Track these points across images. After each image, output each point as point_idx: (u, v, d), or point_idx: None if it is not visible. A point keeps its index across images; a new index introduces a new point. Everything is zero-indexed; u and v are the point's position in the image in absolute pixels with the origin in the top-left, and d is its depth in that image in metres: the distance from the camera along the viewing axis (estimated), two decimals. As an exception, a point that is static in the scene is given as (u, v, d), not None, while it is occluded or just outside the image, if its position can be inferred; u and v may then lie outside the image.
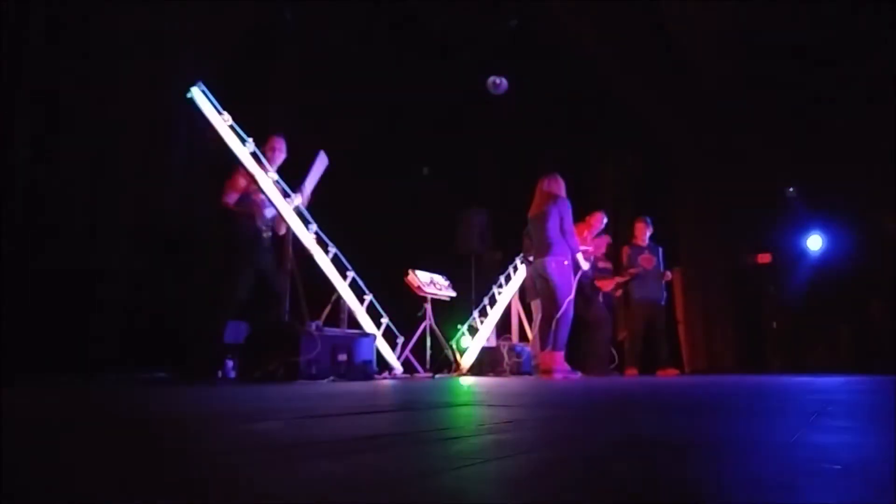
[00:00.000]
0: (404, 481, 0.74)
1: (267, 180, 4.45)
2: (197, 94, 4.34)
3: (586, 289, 6.14)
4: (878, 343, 7.53)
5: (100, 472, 0.79)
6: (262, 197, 4.41)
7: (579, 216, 5.86)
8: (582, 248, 5.45)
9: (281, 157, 4.61)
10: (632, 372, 6.22)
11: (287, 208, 4.52)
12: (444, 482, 0.74)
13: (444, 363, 5.93)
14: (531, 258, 5.54)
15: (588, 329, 6.17)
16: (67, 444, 1.08)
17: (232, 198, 4.30)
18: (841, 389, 3.01)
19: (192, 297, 4.46)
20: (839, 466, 0.81)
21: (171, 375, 4.14)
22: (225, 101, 4.45)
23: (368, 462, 0.88)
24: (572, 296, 5.12)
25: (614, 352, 6.41)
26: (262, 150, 4.53)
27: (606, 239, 6.59)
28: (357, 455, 0.93)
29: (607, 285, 6.46)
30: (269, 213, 4.45)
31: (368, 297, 5.01)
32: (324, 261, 4.79)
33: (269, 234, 4.46)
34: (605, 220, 6.48)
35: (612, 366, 6.28)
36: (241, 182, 4.35)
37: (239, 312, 4.24)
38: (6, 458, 0.89)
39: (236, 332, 4.22)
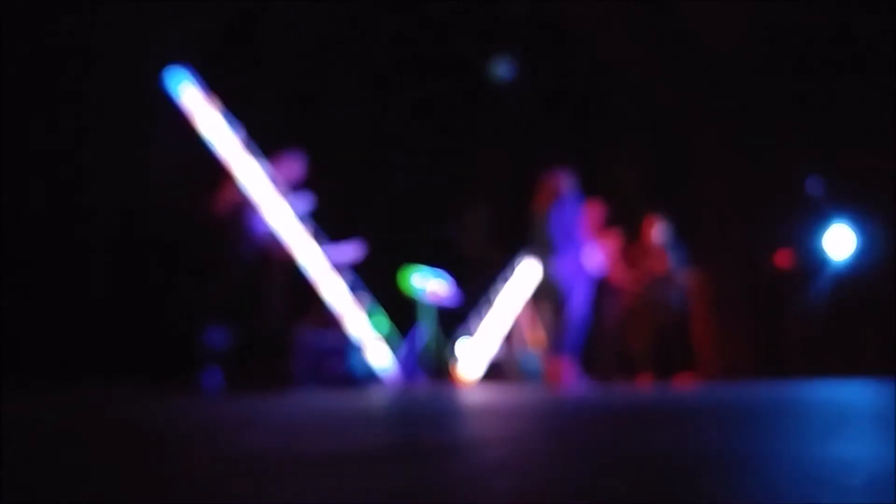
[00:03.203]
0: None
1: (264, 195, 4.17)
2: (182, 83, 4.23)
3: (607, 290, 6.06)
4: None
5: (89, 483, 0.79)
6: (255, 215, 4.04)
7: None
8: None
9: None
10: (646, 377, 6.08)
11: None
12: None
13: (444, 369, 5.87)
14: (535, 259, 5.46)
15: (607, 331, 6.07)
16: (54, 452, 1.05)
17: (221, 209, 3.93)
18: (865, 397, 2.91)
19: (173, 300, 4.19)
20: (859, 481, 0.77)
21: (151, 383, 3.98)
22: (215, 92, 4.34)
23: (354, 480, 0.84)
24: (579, 298, 5.02)
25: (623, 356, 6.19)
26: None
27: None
28: (343, 472, 0.90)
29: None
30: (261, 228, 4.06)
31: (366, 299, 4.96)
32: (321, 261, 4.74)
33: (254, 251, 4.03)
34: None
35: (621, 372, 6.10)
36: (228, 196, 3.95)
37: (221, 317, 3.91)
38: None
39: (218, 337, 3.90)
